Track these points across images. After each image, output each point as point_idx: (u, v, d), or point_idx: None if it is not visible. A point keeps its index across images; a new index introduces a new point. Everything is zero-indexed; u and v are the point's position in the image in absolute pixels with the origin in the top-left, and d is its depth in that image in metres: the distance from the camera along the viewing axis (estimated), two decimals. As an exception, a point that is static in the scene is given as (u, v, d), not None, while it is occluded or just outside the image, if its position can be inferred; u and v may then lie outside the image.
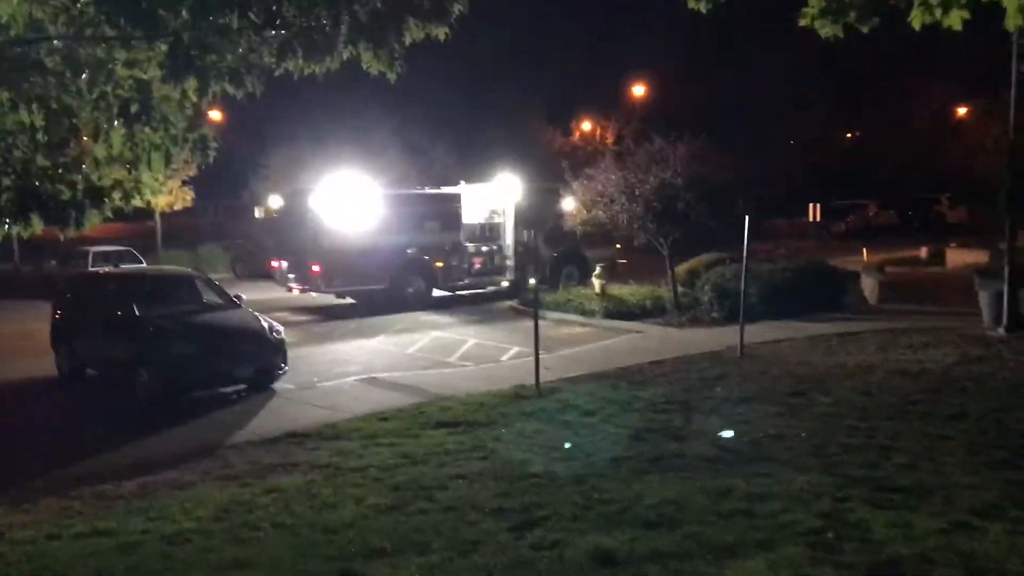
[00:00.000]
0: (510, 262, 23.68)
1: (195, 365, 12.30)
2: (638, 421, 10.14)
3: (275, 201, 25.19)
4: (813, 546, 5.86)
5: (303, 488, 8.09)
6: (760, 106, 50.42)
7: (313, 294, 22.13)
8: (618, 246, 23.74)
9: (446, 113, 49.25)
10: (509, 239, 23.74)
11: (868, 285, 20.89)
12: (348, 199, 21.20)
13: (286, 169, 39.77)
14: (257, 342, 13.08)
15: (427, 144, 42.98)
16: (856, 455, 8.36)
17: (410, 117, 43.30)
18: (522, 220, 23.29)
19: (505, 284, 23.65)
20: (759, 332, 16.00)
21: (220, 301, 14.08)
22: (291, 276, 21.89)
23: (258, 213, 33.44)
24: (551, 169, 59.60)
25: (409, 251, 21.93)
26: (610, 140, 62.72)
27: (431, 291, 22.54)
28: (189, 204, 36.20)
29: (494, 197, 23.87)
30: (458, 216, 23.01)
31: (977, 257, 26.42)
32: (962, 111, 55.88)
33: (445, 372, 14.21)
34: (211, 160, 6.93)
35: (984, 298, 16.69)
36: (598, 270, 20.61)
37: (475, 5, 6.43)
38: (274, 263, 22.94)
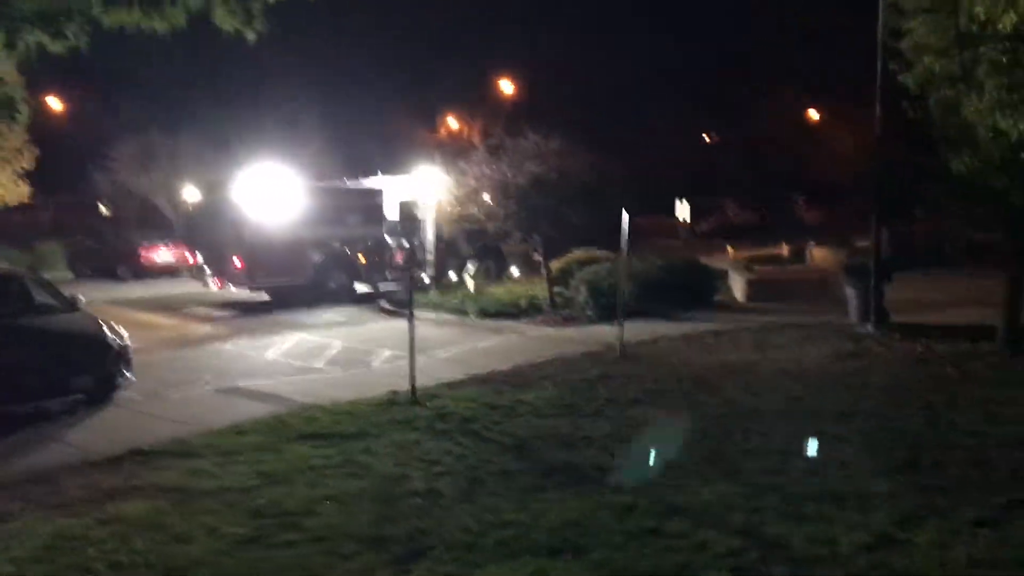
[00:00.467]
0: (430, 256, 23.25)
1: (21, 374, 10.80)
2: (524, 429, 9.46)
3: (191, 193, 24.05)
4: (738, 571, 5.28)
5: (147, 517, 6.97)
6: (624, 104, 50.97)
7: (234, 289, 21.15)
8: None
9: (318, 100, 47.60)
10: (430, 234, 23.27)
11: (737, 283, 21.01)
12: (270, 191, 20.01)
13: (133, 163, 37.23)
14: (96, 348, 11.65)
15: (307, 135, 41.09)
16: (757, 460, 7.93)
17: (290, 108, 41.63)
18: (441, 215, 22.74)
19: (426, 280, 22.88)
20: (636, 330, 15.60)
21: (54, 303, 12.52)
22: (209, 270, 21.16)
23: (104, 209, 31.13)
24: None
25: (333, 245, 21.35)
26: (477, 138, 62.20)
27: (353, 286, 22.06)
28: (26, 199, 33.28)
29: (414, 191, 23.17)
30: (380, 210, 22.56)
31: (836, 255, 27.19)
32: (815, 116, 58.37)
33: (311, 379, 13.14)
34: (15, 119, 5.76)
35: (851, 294, 16.90)
36: (471, 269, 19.92)
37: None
38: (189, 257, 22.41)
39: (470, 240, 23.31)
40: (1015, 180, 12.73)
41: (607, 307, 17.57)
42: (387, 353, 15.20)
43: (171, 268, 29.52)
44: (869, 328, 16.02)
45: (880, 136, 16.24)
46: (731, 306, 19.35)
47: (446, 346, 15.46)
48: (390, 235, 22.65)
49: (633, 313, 17.02)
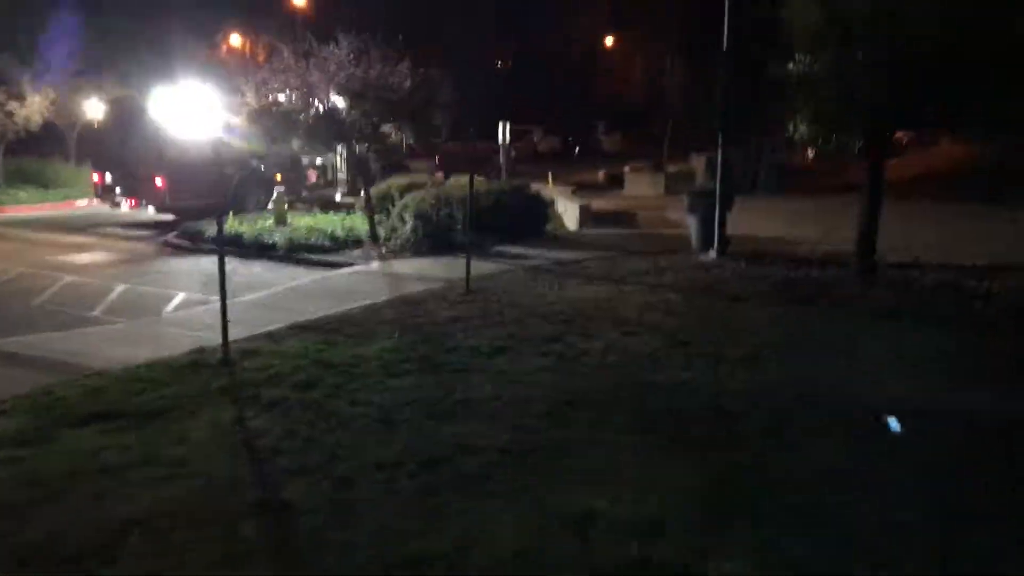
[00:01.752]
0: (342, 175, 23.17)
1: None
2: (379, 395, 7.57)
3: (95, 109, 22.50)
4: None
5: None
6: (426, 22, 48.40)
7: (151, 210, 20.38)
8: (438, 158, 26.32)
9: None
10: (342, 155, 22.72)
11: (568, 211, 19.75)
12: (189, 108, 17.60)
13: None
14: None
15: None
16: (700, 427, 6.54)
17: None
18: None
19: (338, 198, 22.65)
20: (474, 264, 13.96)
21: None
22: (119, 191, 20.67)
23: None
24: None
25: (251, 163, 20.51)
26: (261, 56, 57.51)
27: (269, 205, 20.80)
28: None
29: None
30: None
31: (654, 180, 26.70)
32: (609, 41, 58.29)
33: (88, 333, 10.52)
34: None
35: (693, 221, 16.01)
36: (276, 194, 17.45)
37: None
38: (95, 177, 21.74)
39: (380, 158, 23.05)
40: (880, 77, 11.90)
41: (437, 237, 15.84)
42: (180, 297, 12.76)
43: None
44: (712, 256, 15.23)
45: (727, 48, 15.16)
46: (564, 236, 18.04)
47: (254, 287, 13.15)
48: (303, 154, 21.58)
49: (464, 244, 15.49)
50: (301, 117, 15.53)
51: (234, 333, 9.40)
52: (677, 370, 8.28)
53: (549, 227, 18.29)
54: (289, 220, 17.36)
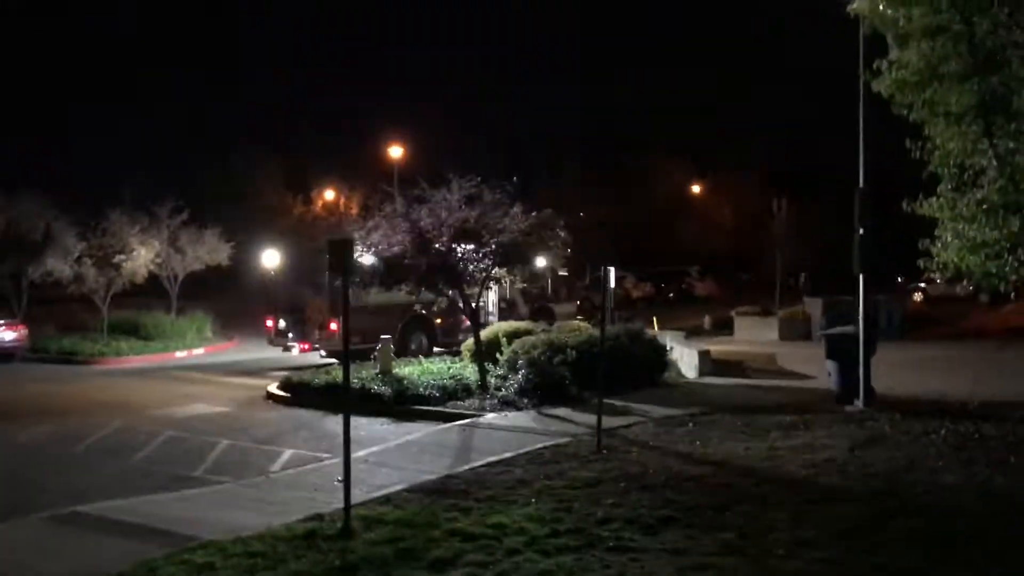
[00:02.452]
0: (493, 318, 23.29)
1: None
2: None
3: (270, 258, 23.42)
4: None
5: None
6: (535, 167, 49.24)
7: (323, 353, 21.07)
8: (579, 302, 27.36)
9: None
10: (493, 295, 23.46)
11: (684, 357, 18.50)
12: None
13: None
14: None
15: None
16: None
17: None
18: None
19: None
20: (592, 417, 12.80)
21: None
22: (292, 336, 21.76)
23: None
24: (293, 238, 54.75)
25: (415, 308, 21.36)
26: (354, 209, 59.09)
27: (432, 347, 22.23)
28: None
29: None
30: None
31: (764, 324, 25.37)
32: (696, 189, 58.19)
33: (190, 496, 9.57)
34: None
35: (833, 367, 14.60)
36: (380, 343, 16.69)
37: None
38: (268, 322, 22.87)
39: (526, 298, 24.50)
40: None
41: (549, 387, 14.73)
42: (288, 454, 11.81)
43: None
44: (859, 407, 13.74)
45: (863, 192, 14.08)
46: (685, 385, 16.73)
47: (363, 443, 12.12)
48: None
49: (578, 394, 14.37)
50: (412, 263, 14.91)
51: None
52: (900, 548, 6.83)
53: (667, 375, 17.05)
54: (394, 369, 16.50)
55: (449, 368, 16.61)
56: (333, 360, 20.09)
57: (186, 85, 74.12)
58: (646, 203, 52.30)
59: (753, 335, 24.75)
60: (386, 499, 8.83)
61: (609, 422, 12.44)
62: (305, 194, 59.79)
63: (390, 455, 11.22)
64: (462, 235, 14.78)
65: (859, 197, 14.06)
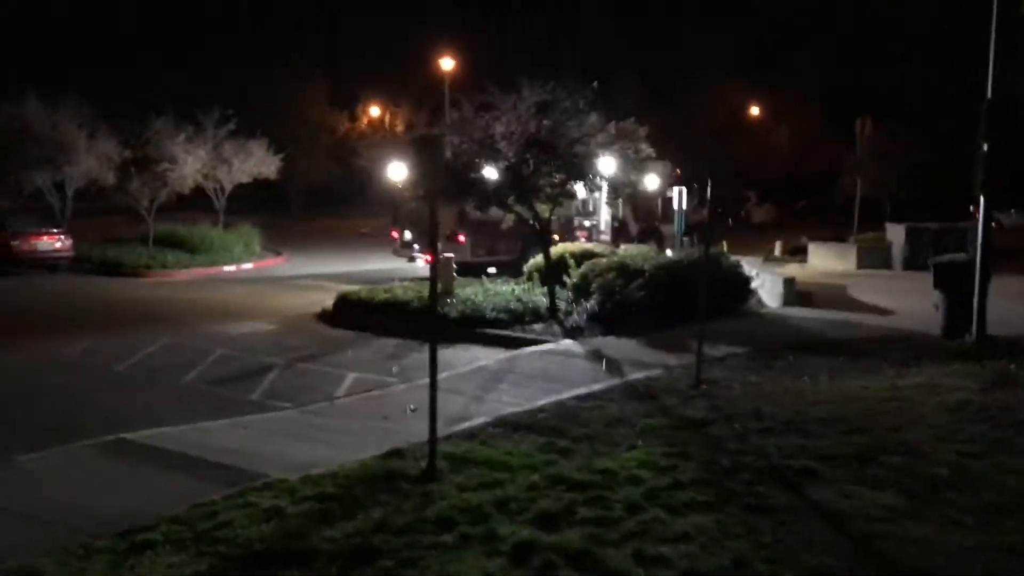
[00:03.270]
0: (605, 237, 23.63)
1: None
2: (673, 545, 5.24)
3: (397, 171, 21.65)
4: None
5: None
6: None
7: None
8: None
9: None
10: (605, 214, 24.10)
11: (766, 284, 17.17)
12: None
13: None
14: None
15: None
16: None
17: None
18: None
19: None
20: (683, 348, 11.66)
21: None
22: (417, 247, 22.06)
23: None
24: (338, 153, 53.50)
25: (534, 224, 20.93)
26: (400, 127, 57.76)
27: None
28: None
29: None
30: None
31: (841, 252, 23.87)
32: (755, 110, 55.79)
33: (250, 423, 8.61)
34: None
35: (941, 300, 13.21)
36: (442, 259, 15.59)
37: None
38: (394, 234, 23.35)
39: (637, 218, 25.02)
40: None
41: (624, 313, 13.56)
42: (351, 377, 10.83)
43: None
44: (970, 341, 12.43)
45: (992, 104, 12.47)
46: (771, 315, 15.41)
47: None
48: (576, 214, 23.27)
49: (654, 323, 13.20)
50: (479, 175, 13.67)
51: (427, 427, 7.30)
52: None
53: (749, 303, 15.79)
54: (457, 290, 15.42)
55: (514, 290, 15.49)
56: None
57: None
58: (704, 123, 50.21)
59: (829, 263, 23.25)
60: (470, 433, 7.78)
61: (693, 354, 11.30)
62: (351, 110, 58.50)
63: (462, 382, 10.17)
64: (534, 146, 13.46)
65: (986, 109, 12.47)
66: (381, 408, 9.09)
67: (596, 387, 9.65)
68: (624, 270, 14.62)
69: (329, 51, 61.63)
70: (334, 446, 7.67)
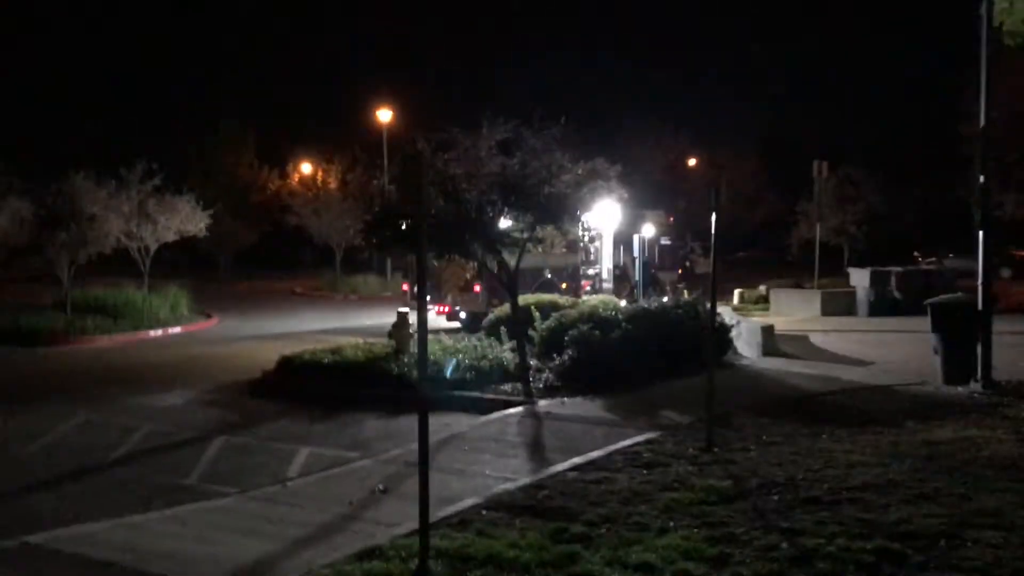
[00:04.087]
0: (607, 284, 23.64)
1: None
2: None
3: None
4: None
5: None
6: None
7: (463, 316, 20.94)
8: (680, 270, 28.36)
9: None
10: (607, 263, 24.04)
11: (743, 333, 16.17)
12: None
13: None
14: None
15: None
16: None
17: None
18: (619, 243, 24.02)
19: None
20: (671, 403, 10.47)
21: None
22: (429, 298, 19.99)
23: None
24: (269, 213, 51.82)
25: (546, 275, 21.61)
26: (333, 183, 56.30)
27: None
28: None
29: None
30: (576, 241, 23.02)
31: (804, 299, 23.18)
32: (692, 162, 56.01)
33: (187, 515, 7.07)
34: None
35: (942, 346, 12.33)
36: (397, 316, 14.23)
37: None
38: (404, 287, 23.15)
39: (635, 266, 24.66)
40: None
41: (599, 367, 12.34)
42: (304, 453, 9.35)
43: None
44: (975, 387, 11.57)
45: (986, 132, 11.78)
46: (748, 366, 14.37)
47: (393, 436, 9.77)
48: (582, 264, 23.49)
49: (640, 378, 12.08)
50: (438, 220, 12.38)
51: (404, 512, 5.94)
52: None
53: (729, 351, 14.74)
54: (403, 345, 14.02)
55: (476, 347, 14.15)
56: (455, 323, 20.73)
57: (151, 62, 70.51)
58: (649, 172, 49.90)
59: (792, 310, 22.50)
60: (461, 520, 6.39)
61: (691, 412, 10.12)
62: (281, 168, 56.93)
63: (437, 453, 8.67)
64: (499, 188, 12.26)
65: (983, 141, 11.77)
66: (344, 491, 7.64)
67: (594, 455, 8.35)
68: (598, 321, 13.48)
69: (258, 108, 59.89)
70: (292, 543, 6.20)
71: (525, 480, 7.49)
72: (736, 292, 25.57)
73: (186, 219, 25.69)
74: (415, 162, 11.21)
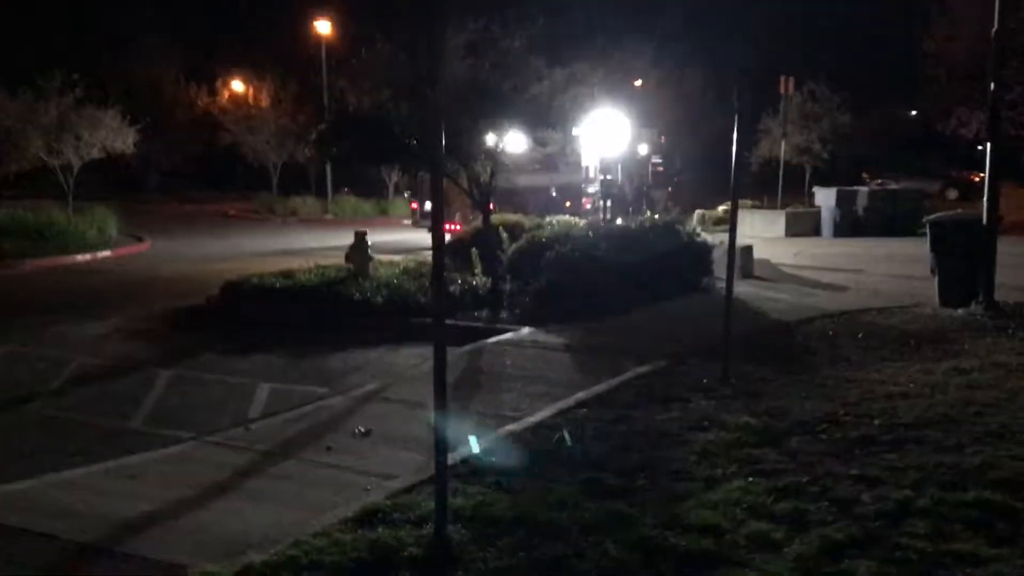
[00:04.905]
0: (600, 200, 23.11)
1: None
2: None
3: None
4: None
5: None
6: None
7: None
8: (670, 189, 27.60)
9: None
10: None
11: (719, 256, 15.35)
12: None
13: None
14: None
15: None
16: None
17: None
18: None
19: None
20: (661, 331, 9.62)
21: None
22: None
23: None
24: (198, 131, 49.36)
25: (551, 191, 22.27)
26: (264, 101, 53.70)
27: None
28: None
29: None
30: (580, 159, 22.83)
31: (768, 220, 22.55)
32: (638, 83, 54.62)
33: (136, 465, 5.96)
34: None
35: (942, 264, 11.65)
36: (356, 237, 13.07)
37: None
38: (414, 205, 24.27)
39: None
40: None
41: (582, 293, 11.39)
42: (265, 389, 8.25)
43: None
44: (976, 310, 10.96)
45: (1000, 35, 10.91)
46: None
47: (362, 368, 8.74)
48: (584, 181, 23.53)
49: (619, 302, 11.13)
50: (395, 130, 11.17)
51: (395, 460, 4.97)
52: None
53: (712, 274, 13.93)
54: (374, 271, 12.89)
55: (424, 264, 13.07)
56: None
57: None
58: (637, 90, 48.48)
59: (757, 231, 21.74)
60: (471, 472, 5.41)
61: (687, 339, 9.27)
62: (210, 84, 54.10)
63: (420, 388, 7.74)
64: (472, 93, 11.04)
65: (996, 42, 10.90)
66: (319, 433, 6.61)
67: (598, 388, 7.45)
68: (575, 242, 12.50)
69: (183, 19, 56.46)
70: (270, 501, 5.19)
71: (531, 419, 6.54)
72: (696, 213, 24.80)
73: (112, 134, 23.78)
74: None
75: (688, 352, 8.74)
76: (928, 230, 11.74)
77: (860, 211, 21.86)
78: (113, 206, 24.97)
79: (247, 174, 49.18)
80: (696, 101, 51.69)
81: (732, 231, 8.24)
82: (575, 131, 18.27)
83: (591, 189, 23.68)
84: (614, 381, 7.69)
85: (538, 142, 11.88)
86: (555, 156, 17.80)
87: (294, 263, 14.26)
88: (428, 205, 22.07)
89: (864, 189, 22.24)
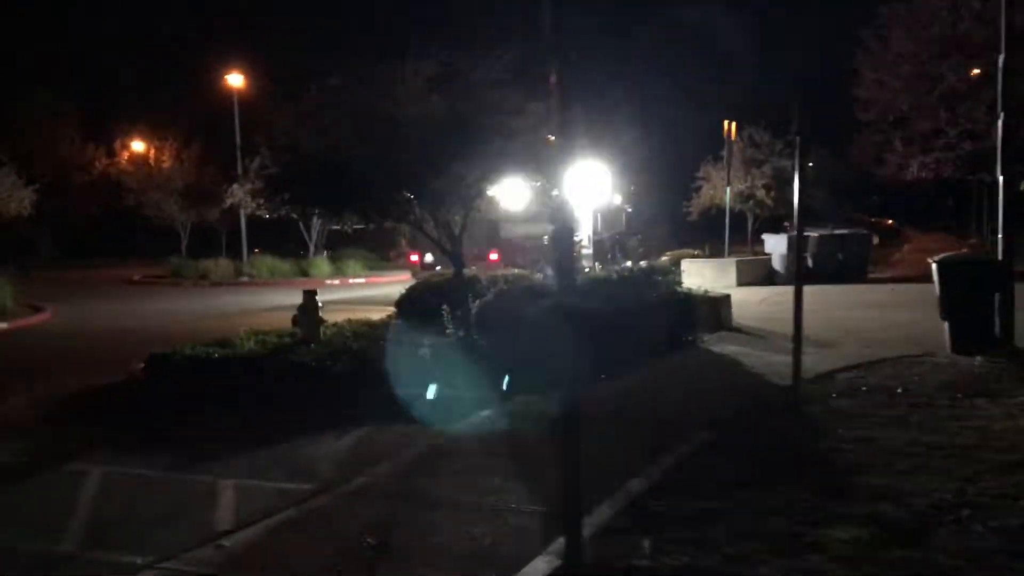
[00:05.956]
0: (587, 250, 22.53)
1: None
2: None
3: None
4: None
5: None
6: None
7: None
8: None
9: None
10: (587, 227, 23.20)
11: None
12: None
13: None
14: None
15: None
16: None
17: None
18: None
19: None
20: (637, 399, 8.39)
21: None
22: (439, 268, 20.42)
23: None
24: (96, 194, 46.72)
25: (543, 241, 21.59)
26: (167, 162, 51.30)
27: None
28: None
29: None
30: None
31: (718, 269, 21.81)
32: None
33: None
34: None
35: (956, 310, 10.81)
36: (303, 295, 11.50)
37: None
38: (414, 257, 23.93)
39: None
40: None
41: (556, 357, 10.04)
42: (228, 487, 6.62)
43: None
44: (999, 361, 10.13)
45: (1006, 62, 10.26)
46: (711, 349, 12.47)
47: (335, 459, 7.16)
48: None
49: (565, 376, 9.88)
50: (362, 172, 9.76)
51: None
52: None
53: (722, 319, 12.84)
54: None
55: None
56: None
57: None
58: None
59: (707, 281, 20.94)
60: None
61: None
62: (108, 145, 51.59)
63: (425, 479, 6.24)
64: (445, 131, 9.73)
65: (1003, 69, 10.23)
66: (315, 550, 5.08)
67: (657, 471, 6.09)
68: (540, 296, 11.19)
69: (79, 78, 53.97)
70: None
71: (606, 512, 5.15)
72: (641, 264, 24.01)
73: (9, 193, 21.63)
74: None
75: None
76: (937, 272, 10.91)
77: (809, 258, 21.30)
78: (6, 274, 22.60)
79: (151, 237, 46.79)
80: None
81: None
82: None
83: (576, 236, 22.80)
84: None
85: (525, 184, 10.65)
86: (548, 205, 16.42)
87: (217, 329, 12.59)
88: (429, 257, 21.57)
89: (815, 234, 21.72)
